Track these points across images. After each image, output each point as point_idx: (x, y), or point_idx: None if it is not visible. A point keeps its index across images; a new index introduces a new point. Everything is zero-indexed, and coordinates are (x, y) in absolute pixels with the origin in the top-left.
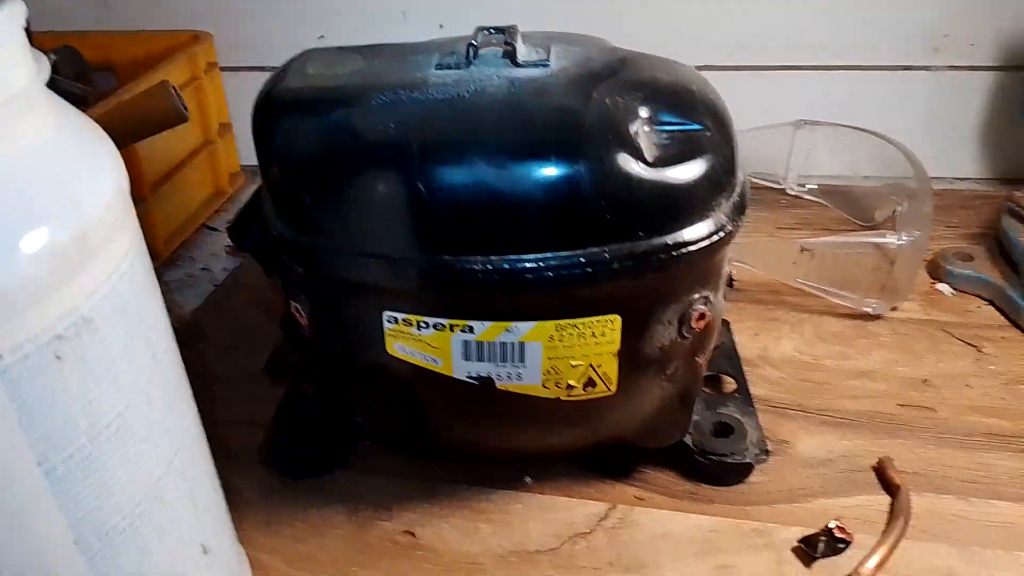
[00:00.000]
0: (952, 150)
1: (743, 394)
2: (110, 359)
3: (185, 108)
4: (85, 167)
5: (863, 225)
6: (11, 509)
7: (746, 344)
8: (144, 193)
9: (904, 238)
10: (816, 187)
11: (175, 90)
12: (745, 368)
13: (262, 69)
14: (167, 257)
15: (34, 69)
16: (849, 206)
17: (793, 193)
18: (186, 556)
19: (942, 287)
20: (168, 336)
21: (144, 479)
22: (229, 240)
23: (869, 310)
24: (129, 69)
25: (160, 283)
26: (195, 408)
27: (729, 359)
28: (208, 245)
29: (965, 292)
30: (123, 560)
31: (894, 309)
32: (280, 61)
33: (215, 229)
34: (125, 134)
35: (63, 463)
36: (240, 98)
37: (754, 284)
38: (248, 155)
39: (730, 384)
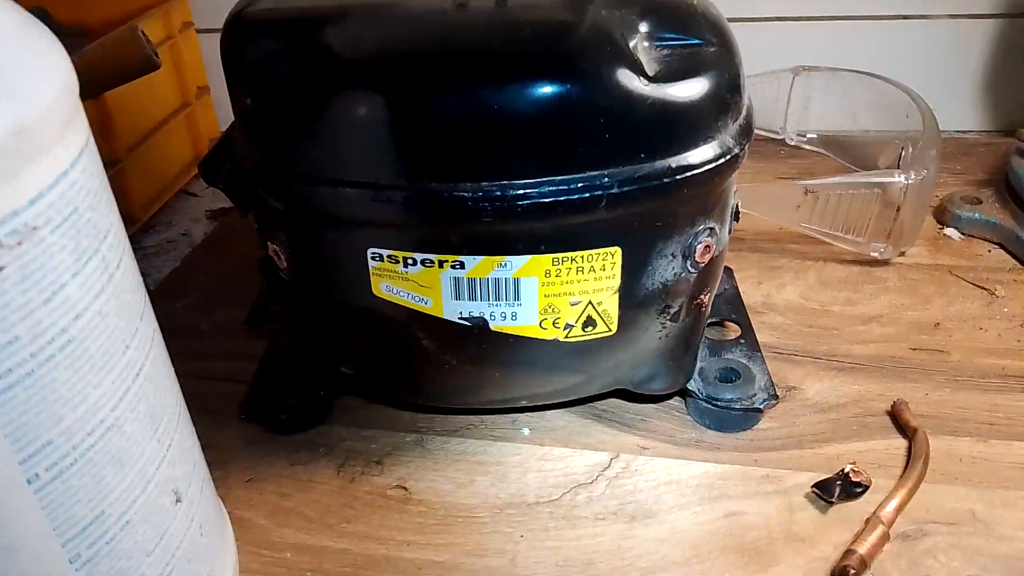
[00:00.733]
0: (953, 102)
1: (748, 339)
2: (57, 273)
3: (156, 55)
4: (27, 58)
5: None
6: None
7: (749, 292)
8: (119, 155)
9: (910, 177)
10: (815, 136)
11: (144, 35)
12: (749, 315)
13: None
14: (144, 222)
15: None
16: (851, 154)
17: (792, 143)
18: (155, 501)
19: (950, 232)
20: (126, 253)
21: (98, 404)
22: (201, 178)
23: (875, 255)
24: (105, 32)
25: (138, 248)
26: (160, 340)
27: (732, 305)
28: (188, 210)
29: (973, 236)
30: (78, 495)
31: (901, 254)
32: None
33: (194, 195)
34: (92, 83)
35: (6, 387)
36: (218, 62)
37: (755, 232)
38: (228, 120)
39: (734, 331)
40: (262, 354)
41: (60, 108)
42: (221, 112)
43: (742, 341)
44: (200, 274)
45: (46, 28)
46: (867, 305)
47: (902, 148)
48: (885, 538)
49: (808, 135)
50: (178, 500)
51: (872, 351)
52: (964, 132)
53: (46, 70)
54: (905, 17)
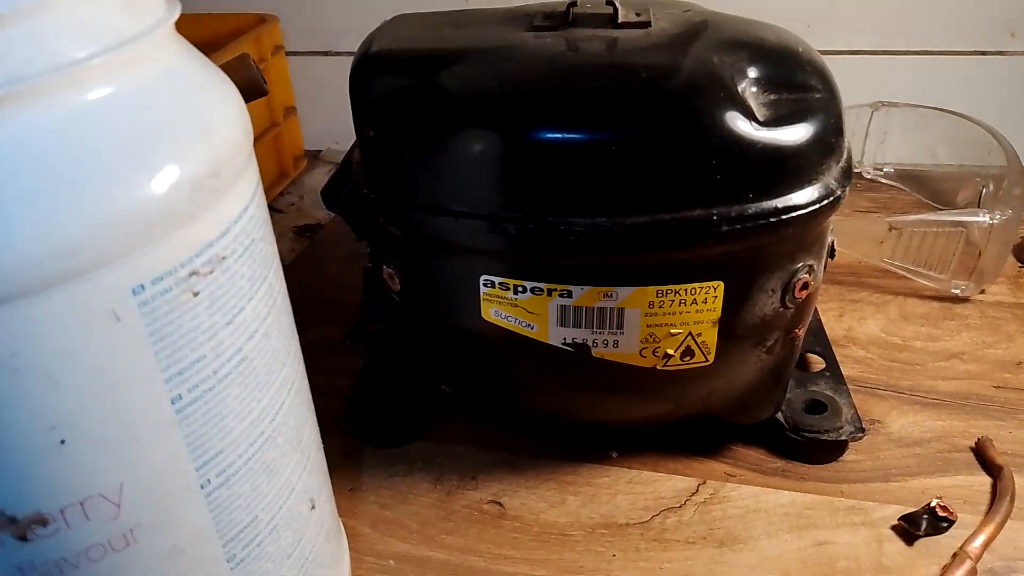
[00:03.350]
0: None
1: (833, 372)
2: (237, 298)
3: (264, 81)
4: (219, 102)
5: (945, 209)
6: (140, 440)
7: (830, 325)
8: None
9: (995, 217)
10: (892, 170)
11: (253, 62)
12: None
13: (327, 54)
14: None
15: (166, 7)
16: (928, 189)
17: (869, 176)
18: (296, 509)
19: None
20: (282, 280)
21: (260, 417)
22: (322, 203)
23: (957, 292)
24: None
25: None
26: (301, 356)
27: (816, 338)
28: (273, 226)
29: None
30: (238, 500)
31: (981, 292)
32: (345, 46)
33: (280, 211)
34: None
35: (191, 400)
36: (305, 82)
37: (835, 265)
38: (311, 140)
39: (818, 363)
40: (360, 370)
41: (243, 147)
42: (306, 131)
43: (827, 373)
44: (292, 292)
45: (223, 73)
46: (949, 341)
47: (983, 186)
48: (973, 573)
49: (885, 169)
50: (313, 507)
51: (955, 388)
52: None
53: (231, 112)
54: (983, 53)
